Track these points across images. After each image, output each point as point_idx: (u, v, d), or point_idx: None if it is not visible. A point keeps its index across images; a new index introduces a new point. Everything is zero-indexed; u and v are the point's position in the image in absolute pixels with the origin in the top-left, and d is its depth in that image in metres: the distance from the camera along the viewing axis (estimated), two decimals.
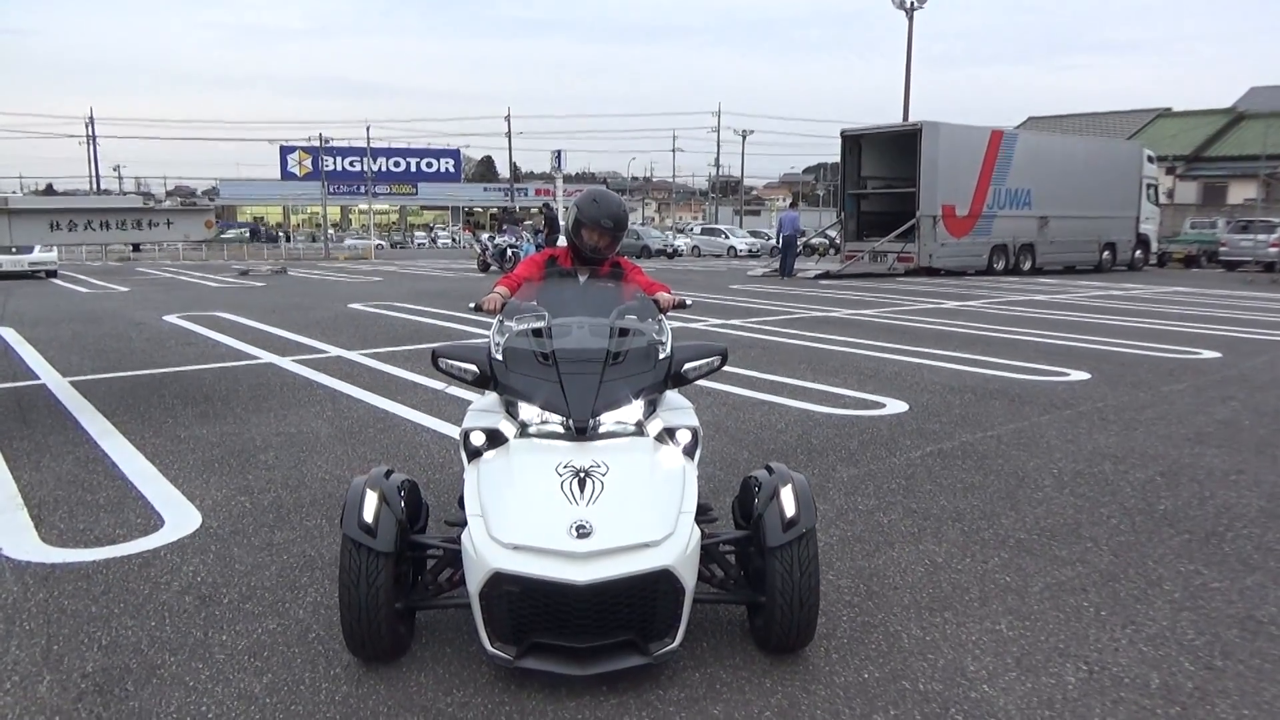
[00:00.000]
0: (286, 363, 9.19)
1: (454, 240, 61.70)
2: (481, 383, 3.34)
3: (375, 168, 66.99)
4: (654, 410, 3.33)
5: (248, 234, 59.22)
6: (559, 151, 41.40)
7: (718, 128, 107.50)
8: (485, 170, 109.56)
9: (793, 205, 29.39)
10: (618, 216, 4.04)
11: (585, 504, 2.86)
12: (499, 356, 3.28)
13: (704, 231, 50.31)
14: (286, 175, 62.23)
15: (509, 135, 70.11)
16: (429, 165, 75.88)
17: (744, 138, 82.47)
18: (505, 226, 28.08)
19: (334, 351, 9.90)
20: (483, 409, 3.46)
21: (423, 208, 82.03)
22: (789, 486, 3.09)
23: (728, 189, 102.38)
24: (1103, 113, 47.35)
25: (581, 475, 2.95)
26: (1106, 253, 28.43)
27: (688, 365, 3.35)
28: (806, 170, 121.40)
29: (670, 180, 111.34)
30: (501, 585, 2.77)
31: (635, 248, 41.71)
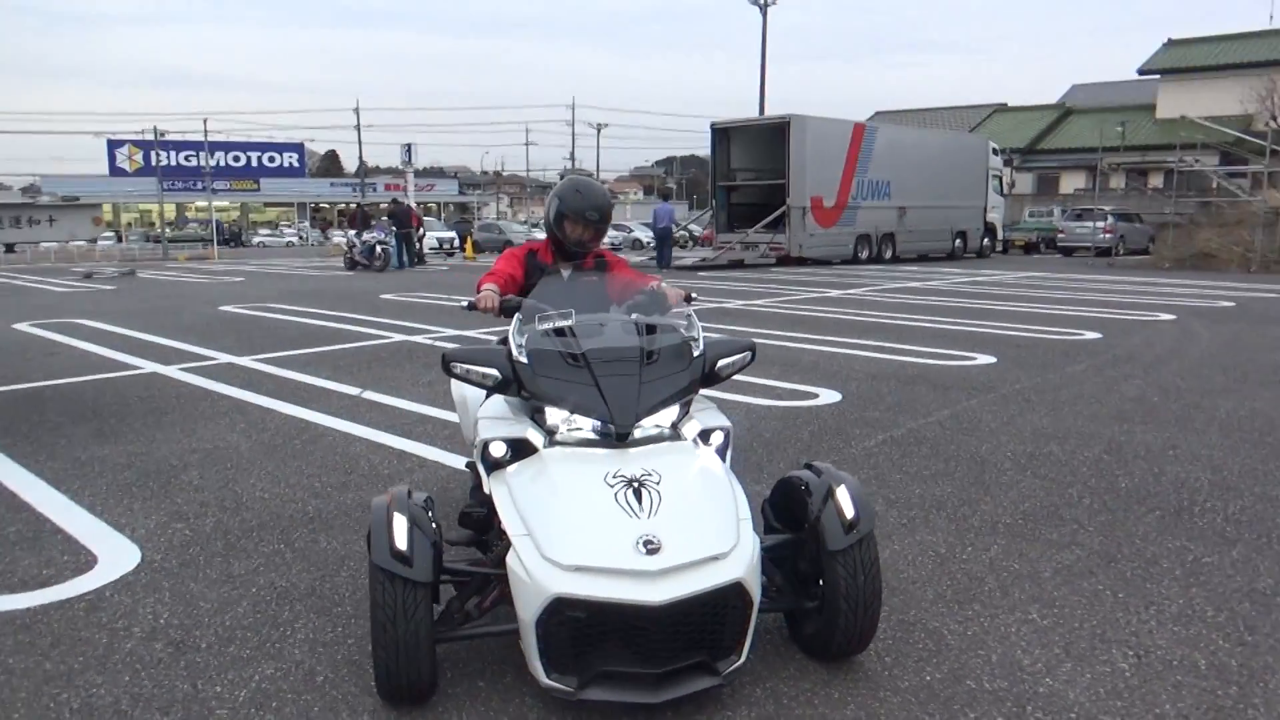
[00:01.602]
0: (173, 371, 8.46)
1: (302, 237, 58.75)
2: (501, 388, 3.06)
3: (214, 163, 63.34)
4: (687, 411, 3.13)
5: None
6: (409, 145, 40.28)
7: (572, 120, 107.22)
8: (330, 165, 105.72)
9: (666, 198, 29.47)
10: (603, 207, 3.83)
11: (646, 517, 2.64)
12: (523, 359, 3.01)
13: None
14: (115, 171, 58.04)
15: (358, 128, 67.84)
16: (271, 160, 72.19)
17: (599, 131, 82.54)
18: (374, 222, 27.01)
19: (223, 358, 9.19)
20: (496, 417, 3.17)
21: (266, 204, 78.21)
22: (843, 487, 2.95)
23: None
24: (943, 108, 49.74)
25: (635, 485, 2.73)
26: (959, 240, 29.84)
27: (721, 362, 3.16)
28: (657, 163, 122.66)
29: (524, 174, 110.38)
30: (564, 611, 2.52)
31: (498, 242, 41.11)
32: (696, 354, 3.09)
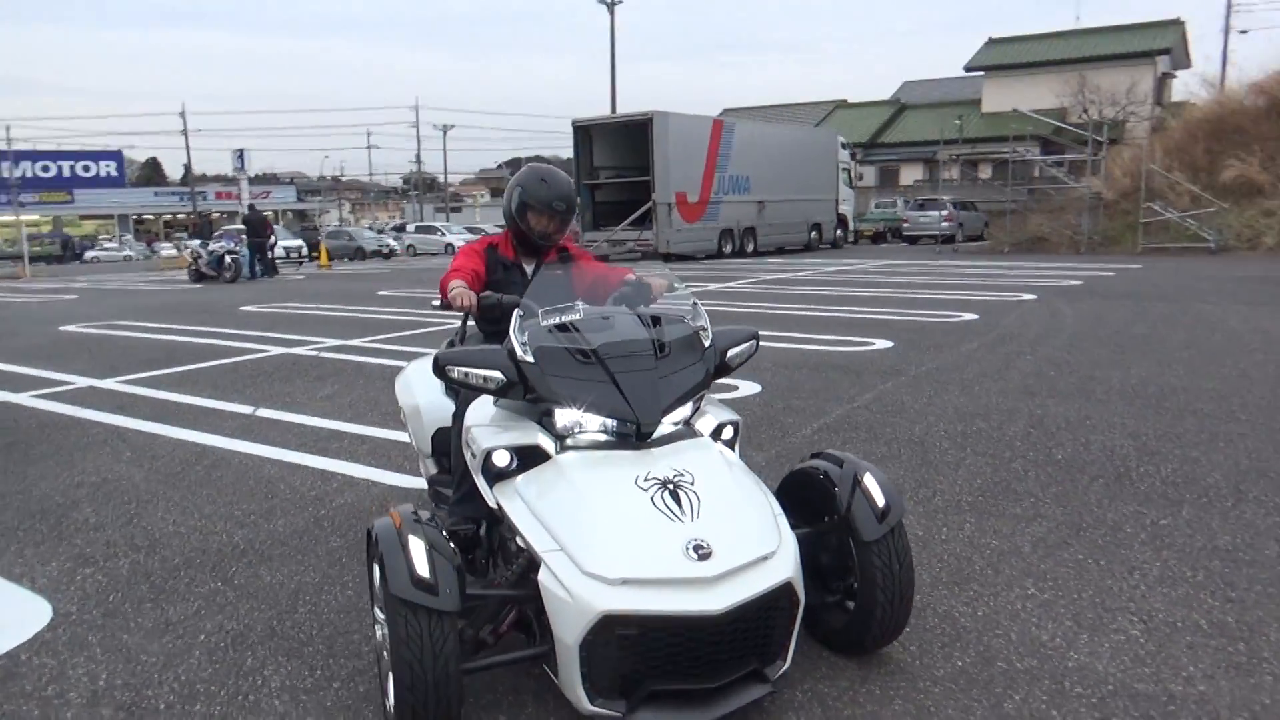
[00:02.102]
0: (26, 399, 7.62)
1: (130, 253, 54.37)
2: (503, 391, 2.80)
3: (19, 173, 58.36)
4: (698, 406, 2.96)
5: None
6: (241, 150, 38.27)
7: (416, 123, 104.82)
8: (152, 173, 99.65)
9: None
10: (570, 197, 3.63)
11: (690, 520, 2.46)
12: (529, 358, 2.76)
13: (419, 230, 48.80)
14: None
15: (185, 134, 64.13)
16: (86, 169, 67.15)
17: (445, 132, 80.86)
18: (219, 231, 25.49)
19: (81, 381, 8.36)
20: (492, 424, 2.91)
21: (82, 217, 72.77)
22: (869, 475, 2.86)
23: (429, 186, 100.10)
24: (787, 105, 51.16)
25: (670, 487, 2.54)
26: (814, 232, 30.73)
27: (731, 352, 3.01)
28: (500, 165, 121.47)
29: (367, 178, 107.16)
30: (613, 630, 2.31)
31: (349, 249, 39.66)
32: (707, 344, 2.93)
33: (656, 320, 2.95)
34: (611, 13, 38.17)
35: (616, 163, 25.70)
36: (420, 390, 4.03)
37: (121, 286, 23.35)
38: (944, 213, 32.21)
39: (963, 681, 2.78)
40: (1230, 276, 15.86)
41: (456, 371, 2.82)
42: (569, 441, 2.76)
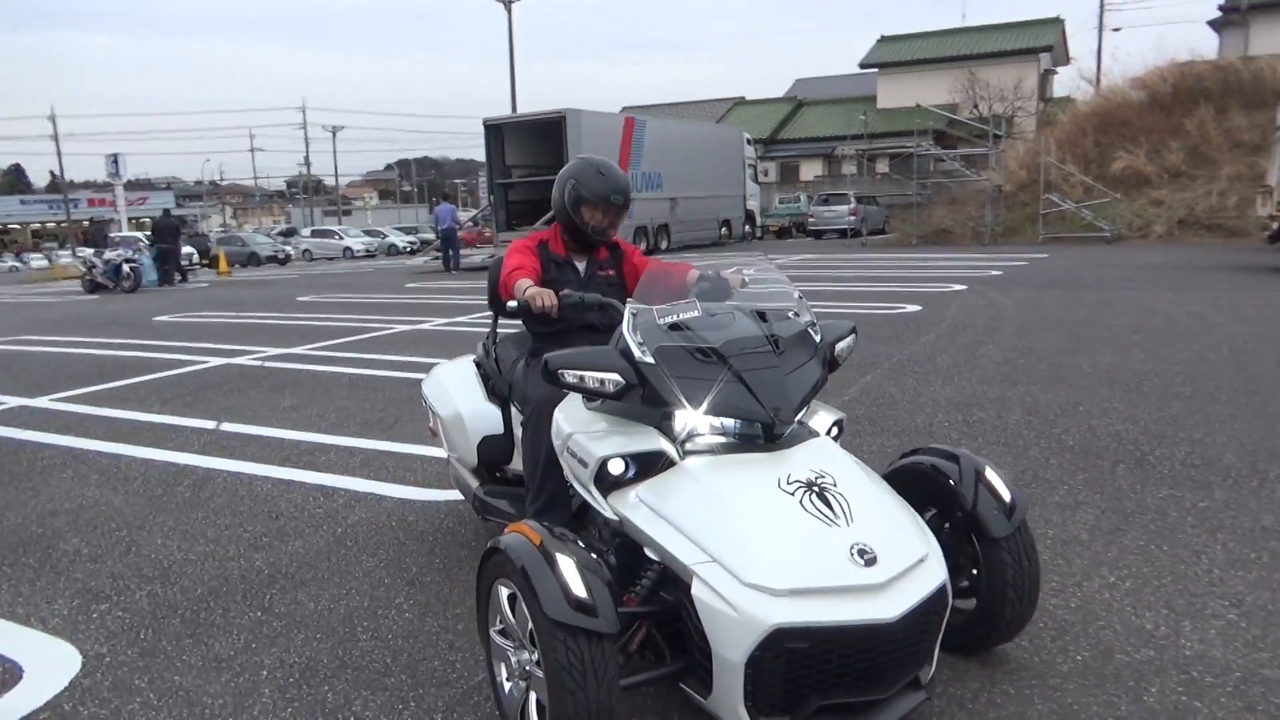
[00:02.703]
0: None
1: (16, 264, 50.26)
2: (619, 395, 2.63)
3: None
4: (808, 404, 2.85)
5: None
6: (116, 155, 36.29)
7: (304, 124, 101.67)
8: (15, 180, 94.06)
9: (446, 198, 28.38)
10: (626, 190, 3.48)
11: (845, 524, 2.35)
12: (649, 359, 2.60)
13: (315, 234, 47.33)
14: None
15: (55, 139, 60.74)
16: None
17: (334, 134, 78.63)
18: (112, 238, 24.15)
19: (10, 401, 7.72)
20: (600, 431, 2.73)
21: None
22: (990, 471, 2.79)
23: (316, 189, 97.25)
24: (687, 102, 51.52)
25: (815, 489, 2.43)
26: (724, 228, 30.98)
27: (839, 346, 2.90)
28: (388, 167, 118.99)
29: (250, 182, 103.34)
30: (782, 644, 2.17)
31: (243, 255, 38.17)
32: (818, 339, 2.81)
33: (763, 316, 2.82)
34: (509, 10, 37.68)
35: (529, 161, 25.34)
36: (461, 397, 3.80)
37: (8, 301, 21.85)
38: (849, 207, 32.86)
39: (1091, 677, 2.74)
40: (1137, 264, 16.61)
41: (571, 375, 2.64)
42: (688, 446, 2.61)
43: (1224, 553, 3.59)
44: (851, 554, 2.27)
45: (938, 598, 2.36)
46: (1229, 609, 3.13)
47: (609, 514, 2.62)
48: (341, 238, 44.81)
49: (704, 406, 2.56)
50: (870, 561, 2.26)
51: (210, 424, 6.48)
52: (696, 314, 2.73)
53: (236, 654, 3.11)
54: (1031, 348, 8.19)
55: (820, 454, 2.62)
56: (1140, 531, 3.83)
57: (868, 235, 31.96)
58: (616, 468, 2.62)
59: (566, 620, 2.15)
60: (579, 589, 2.19)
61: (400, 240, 45.44)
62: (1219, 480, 4.42)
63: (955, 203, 28.60)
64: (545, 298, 3.06)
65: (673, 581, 2.45)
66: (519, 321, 3.81)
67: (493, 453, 3.70)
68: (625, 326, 2.68)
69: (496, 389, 3.78)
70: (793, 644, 2.19)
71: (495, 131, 24.69)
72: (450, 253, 22.91)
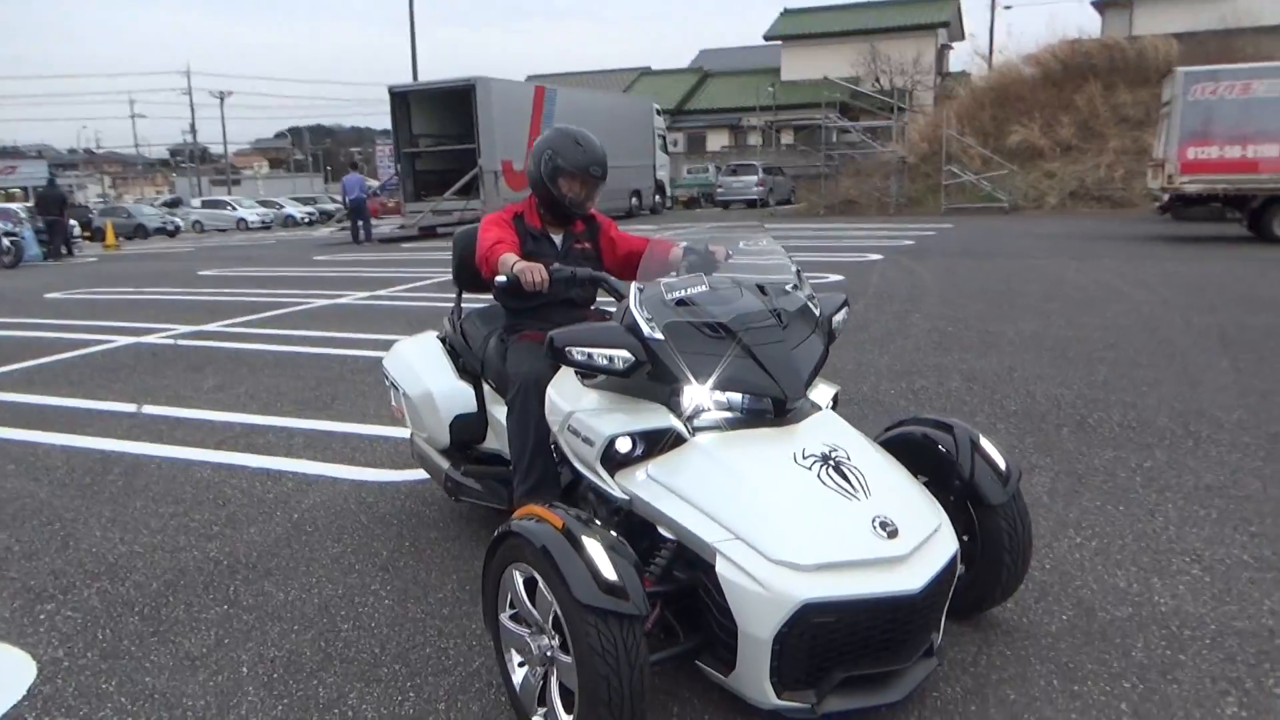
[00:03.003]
0: None
1: None
2: (627, 372, 2.57)
3: None
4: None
5: None
6: None
7: (189, 89, 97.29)
8: None
9: (355, 167, 27.41)
10: (604, 162, 3.41)
11: (864, 496, 2.36)
12: (658, 335, 2.54)
13: (206, 205, 45.37)
14: None
15: None
16: None
17: (222, 100, 75.34)
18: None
19: None
20: (604, 409, 2.68)
21: None
22: (984, 440, 2.84)
23: (203, 158, 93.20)
24: (593, 71, 51.06)
25: (830, 462, 2.43)
26: (635, 199, 30.90)
27: (835, 319, 2.90)
28: (278, 135, 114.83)
29: (130, 150, 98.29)
30: (809, 619, 2.17)
31: (129, 227, 36.35)
32: (819, 313, 2.80)
33: (762, 290, 2.79)
34: None
35: (437, 131, 24.76)
36: (430, 375, 3.68)
37: None
38: (756, 178, 33.17)
39: (1080, 635, 2.83)
40: (1038, 234, 17.23)
41: (579, 353, 2.57)
42: (695, 423, 2.57)
43: (1176, 511, 3.75)
44: (874, 526, 2.28)
45: (951, 566, 2.39)
46: (1191, 565, 3.27)
47: (617, 493, 2.57)
48: (234, 209, 43.09)
49: (714, 382, 2.52)
50: (892, 534, 2.28)
51: (130, 408, 6.15)
52: (704, 289, 2.69)
53: (209, 651, 2.95)
54: (957, 315, 8.41)
55: (829, 427, 2.63)
56: (1095, 493, 3.97)
57: (775, 206, 32.36)
58: (624, 446, 2.57)
59: (598, 604, 2.10)
60: (609, 572, 2.14)
61: (297, 211, 43.96)
62: (1157, 441, 4.62)
63: (860, 174, 29.18)
64: (535, 273, 2.96)
65: (688, 559, 2.42)
66: (484, 297, 3.72)
67: (465, 432, 3.60)
68: (632, 302, 2.61)
69: (467, 366, 3.67)
70: (820, 618, 2.19)
71: (401, 100, 24.00)
72: (360, 224, 22.24)
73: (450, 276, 3.93)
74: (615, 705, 2.10)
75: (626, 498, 2.55)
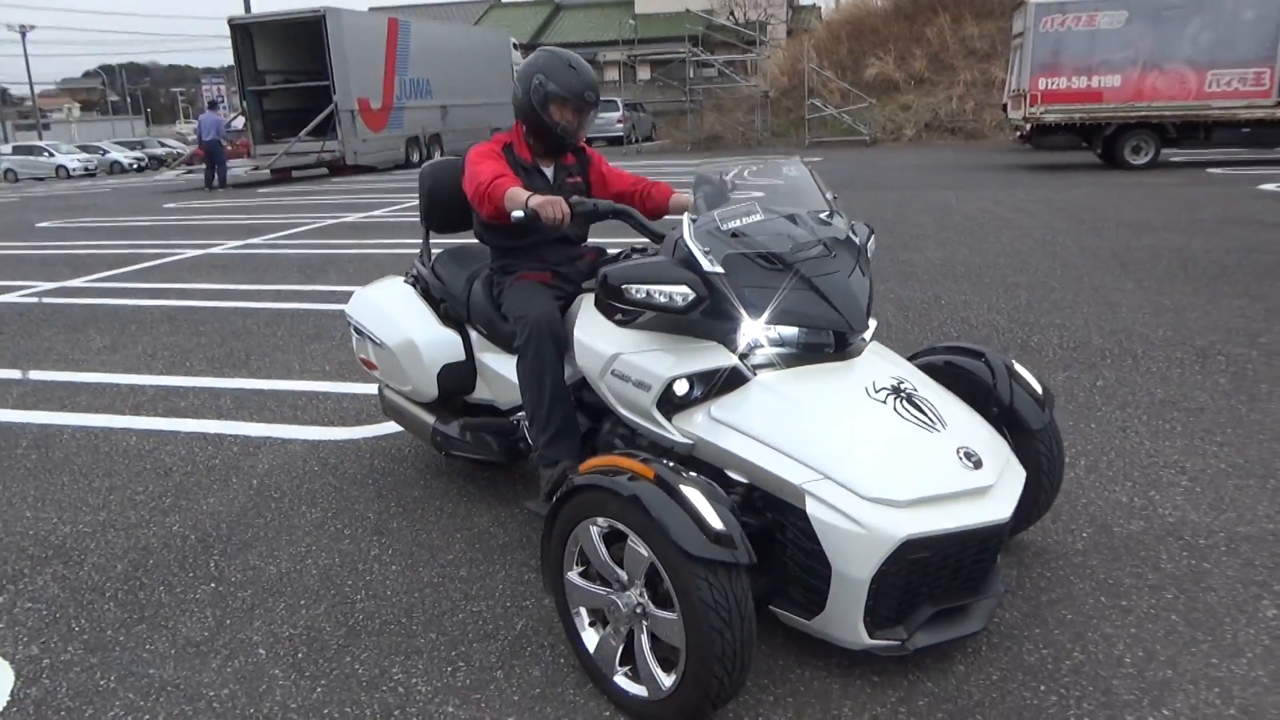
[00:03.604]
0: None
1: None
2: (686, 310, 2.42)
3: None
4: None
5: None
6: None
7: None
8: None
9: (213, 107, 25.33)
10: (598, 87, 3.19)
11: (942, 428, 2.32)
12: (718, 268, 2.40)
13: (17, 151, 41.45)
14: None
15: None
16: None
17: (23, 35, 68.50)
18: None
19: None
20: (652, 350, 2.53)
21: None
22: (1018, 366, 2.85)
23: (3, 99, 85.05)
24: (439, 3, 48.96)
25: (903, 395, 2.38)
26: None
27: (870, 247, 2.82)
28: (88, 74, 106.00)
29: None
30: (907, 555, 2.13)
31: None
32: (858, 242, 2.71)
33: (794, 219, 2.67)
34: None
35: (284, 67, 23.26)
36: (410, 323, 3.42)
37: None
38: (618, 114, 32.79)
39: (1106, 552, 2.91)
40: (907, 165, 17.75)
41: (637, 290, 2.41)
42: (750, 360, 2.46)
43: (1144, 426, 3.92)
44: (959, 457, 2.24)
45: (1022, 493, 2.39)
46: (1179, 476, 3.42)
47: (678, 438, 2.44)
48: (52, 155, 39.56)
49: (774, 316, 2.41)
50: (977, 464, 2.25)
51: (14, 374, 5.54)
52: (759, 218, 2.55)
53: (212, 634, 2.68)
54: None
55: (887, 359, 2.58)
56: (1064, 413, 4.10)
57: (640, 143, 32.15)
58: (682, 388, 2.44)
59: (708, 555, 1.98)
60: (714, 520, 2.02)
61: (124, 157, 40.78)
62: (1100, 360, 4.81)
63: (723, 109, 29.27)
64: (556, 207, 2.74)
65: (758, 503, 2.33)
66: (444, 236, 3.50)
67: (454, 383, 3.37)
68: (686, 234, 2.46)
69: (450, 312, 3.43)
70: (917, 554, 2.14)
71: (243, 33, 22.39)
72: (215, 168, 20.77)
73: (419, 216, 3.64)
74: (727, 658, 2.01)
75: (689, 442, 2.42)
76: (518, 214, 2.76)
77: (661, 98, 37.99)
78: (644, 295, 2.42)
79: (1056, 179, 14.29)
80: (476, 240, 3.53)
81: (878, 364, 2.50)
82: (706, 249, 2.43)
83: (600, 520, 2.20)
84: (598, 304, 2.74)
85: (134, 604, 2.87)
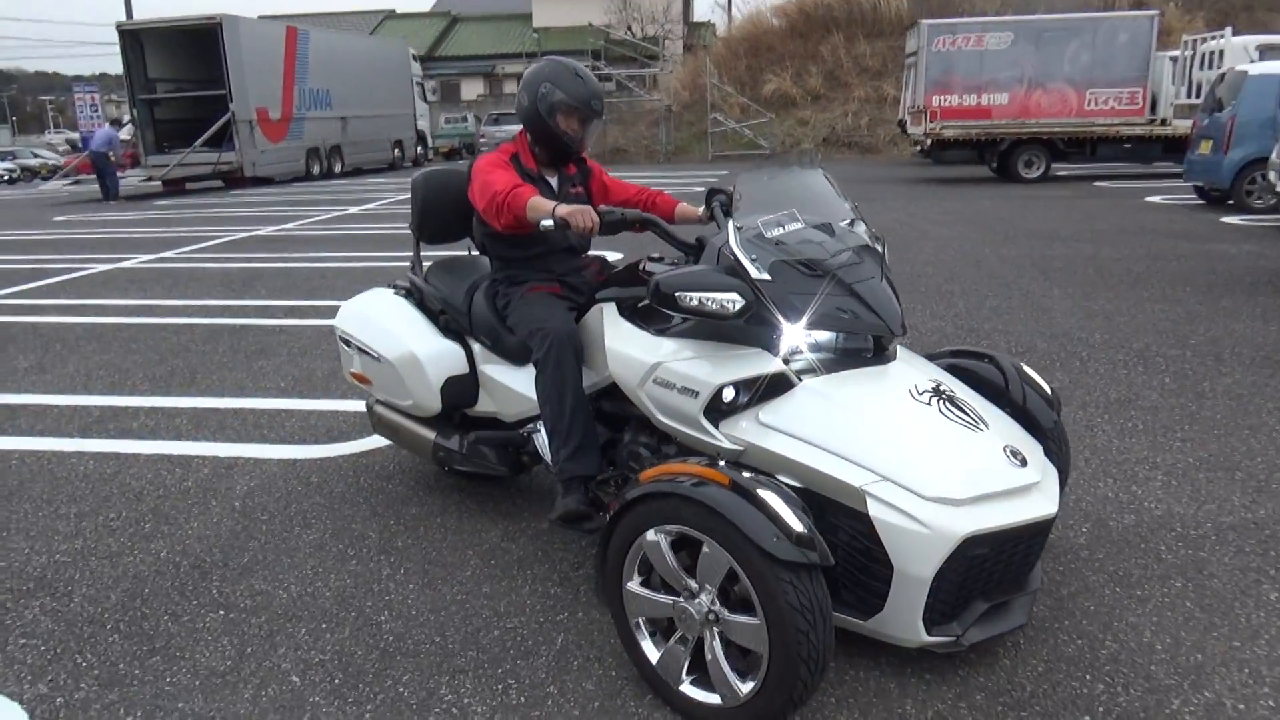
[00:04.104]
0: None
1: None
2: (737, 316, 2.44)
3: None
4: None
5: None
6: None
7: None
8: None
9: (114, 123, 23.92)
10: (603, 95, 3.21)
11: (985, 427, 2.41)
12: (765, 275, 2.44)
13: None
14: None
15: None
16: None
17: None
18: None
19: None
20: (693, 358, 2.54)
21: None
22: (1028, 369, 2.97)
23: None
24: (332, 13, 47.93)
25: (944, 397, 2.46)
26: (397, 150, 29.57)
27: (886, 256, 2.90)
28: None
29: None
30: (967, 552, 2.20)
31: None
32: (880, 249, 2.79)
33: (828, 229, 2.74)
34: None
35: (178, 74, 22.36)
36: (410, 336, 3.34)
37: None
38: (520, 127, 32.63)
39: (1109, 545, 3.06)
40: None
41: (691, 298, 2.42)
42: (794, 366, 2.50)
43: (1109, 425, 4.12)
44: (1007, 455, 2.33)
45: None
46: (1154, 471, 3.61)
47: (726, 445, 2.46)
48: None
49: (817, 322, 2.45)
50: (1023, 462, 2.34)
51: None
52: (799, 225, 2.60)
53: (236, 663, 2.56)
54: None
55: (921, 363, 2.66)
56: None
57: None
58: (729, 394, 2.46)
59: (793, 559, 2.00)
60: (795, 524, 2.05)
61: None
62: (1050, 363, 5.04)
63: (625, 122, 29.46)
64: (586, 216, 2.73)
65: (811, 507, 2.37)
66: (433, 247, 3.46)
67: (458, 396, 3.31)
68: (733, 242, 2.48)
69: (451, 324, 3.37)
70: (975, 551, 2.21)
71: (133, 39, 21.44)
72: (108, 181, 19.76)
73: (410, 228, 3.56)
74: (812, 660, 2.04)
75: (738, 448, 2.45)
76: (547, 223, 2.73)
77: None
78: (696, 302, 2.43)
79: (958, 192, 14.88)
80: (471, 252, 3.49)
81: (914, 367, 2.58)
82: (753, 256, 2.46)
83: (668, 528, 2.20)
84: (631, 312, 2.75)
85: (140, 635, 2.72)
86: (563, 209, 2.75)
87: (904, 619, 2.25)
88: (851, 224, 2.81)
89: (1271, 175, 8.92)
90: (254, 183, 22.24)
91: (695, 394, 2.49)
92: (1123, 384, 4.66)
